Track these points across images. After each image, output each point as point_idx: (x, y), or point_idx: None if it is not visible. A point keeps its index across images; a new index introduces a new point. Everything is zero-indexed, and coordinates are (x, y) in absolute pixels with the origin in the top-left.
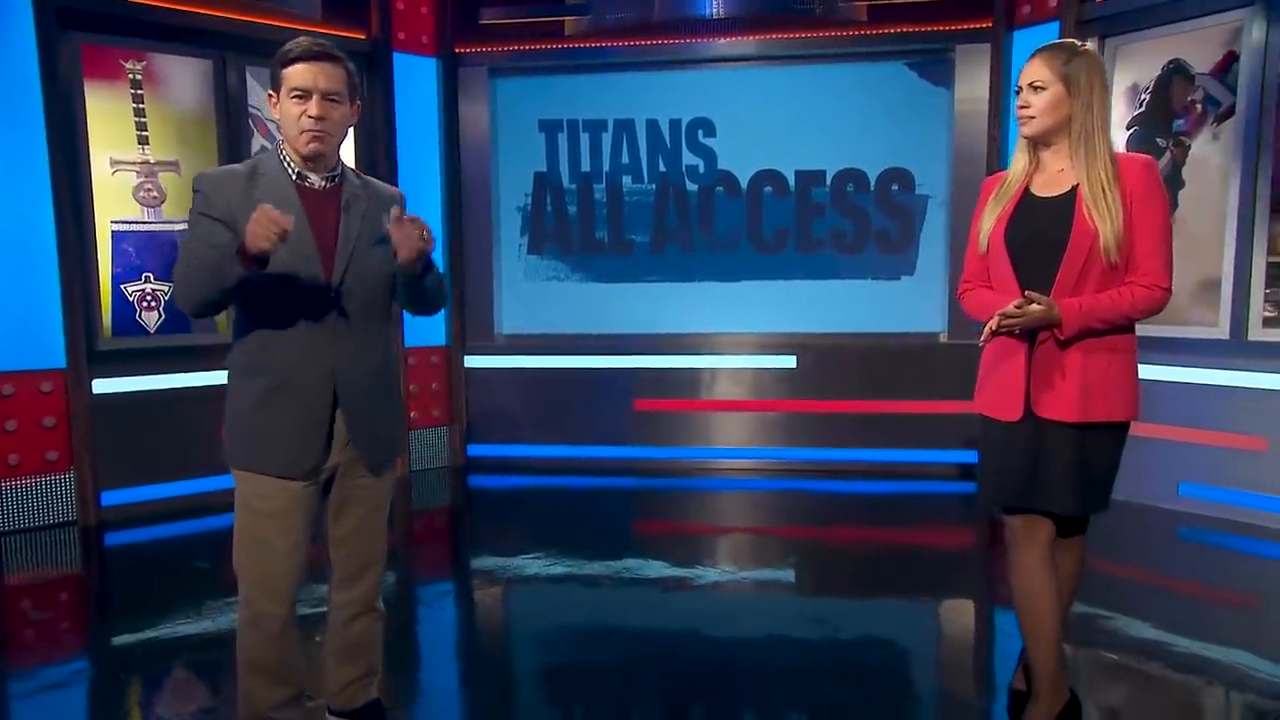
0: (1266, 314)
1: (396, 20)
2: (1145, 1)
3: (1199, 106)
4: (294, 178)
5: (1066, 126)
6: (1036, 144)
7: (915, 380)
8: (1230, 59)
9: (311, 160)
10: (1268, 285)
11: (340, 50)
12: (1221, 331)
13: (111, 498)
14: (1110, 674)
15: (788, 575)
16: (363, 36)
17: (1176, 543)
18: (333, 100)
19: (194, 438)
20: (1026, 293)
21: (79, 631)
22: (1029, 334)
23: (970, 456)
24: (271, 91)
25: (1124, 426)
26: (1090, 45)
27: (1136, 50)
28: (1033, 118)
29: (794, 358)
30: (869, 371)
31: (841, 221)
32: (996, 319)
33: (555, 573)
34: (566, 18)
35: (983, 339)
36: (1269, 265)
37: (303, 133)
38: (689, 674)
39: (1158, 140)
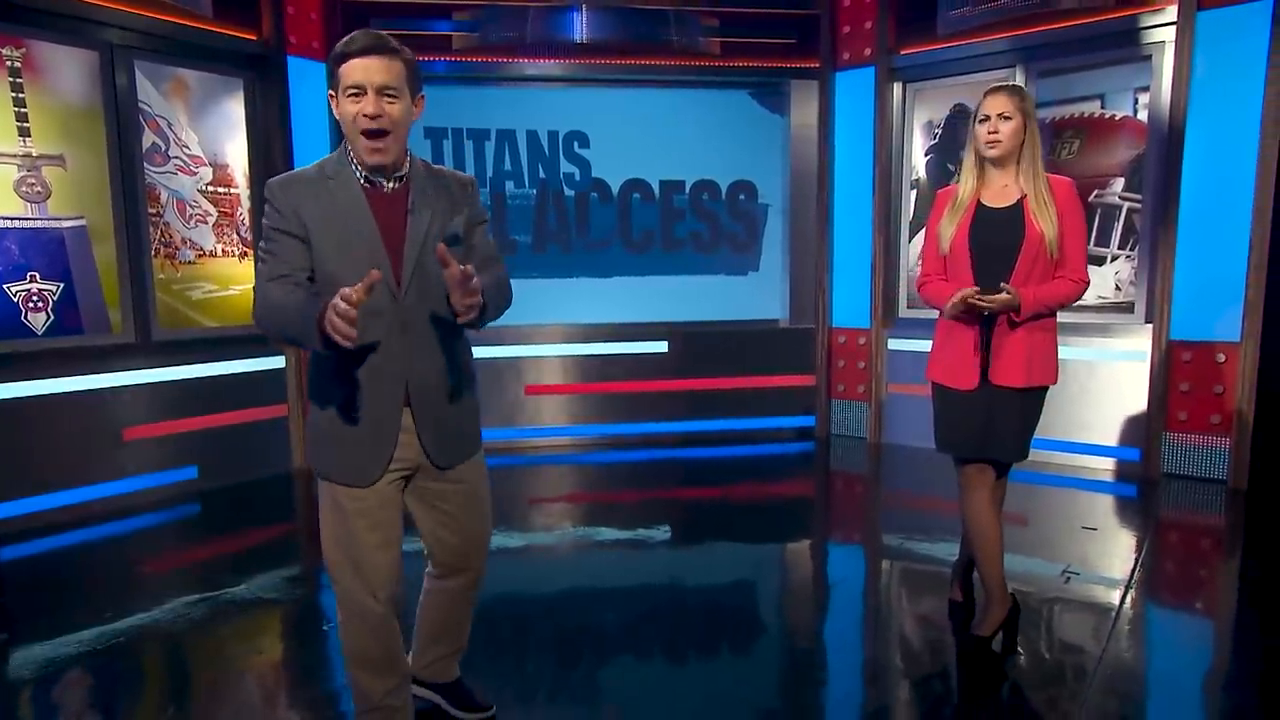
0: None
1: (288, 24)
2: (937, 57)
3: None
4: (362, 181)
5: (1019, 150)
6: (985, 163)
7: (761, 359)
8: None
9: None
10: None
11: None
12: None
13: (1, 510)
14: (921, 582)
15: (664, 532)
16: (254, 38)
17: None
18: (390, 96)
19: (89, 443)
20: (1001, 285)
21: None
22: (984, 319)
23: (805, 420)
24: (331, 91)
25: (1046, 390)
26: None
27: (931, 94)
28: (1000, 142)
29: (665, 343)
30: (725, 353)
31: (698, 225)
32: (967, 293)
33: (513, 545)
34: (454, 33)
35: (948, 310)
36: None
37: (362, 133)
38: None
39: (948, 165)
